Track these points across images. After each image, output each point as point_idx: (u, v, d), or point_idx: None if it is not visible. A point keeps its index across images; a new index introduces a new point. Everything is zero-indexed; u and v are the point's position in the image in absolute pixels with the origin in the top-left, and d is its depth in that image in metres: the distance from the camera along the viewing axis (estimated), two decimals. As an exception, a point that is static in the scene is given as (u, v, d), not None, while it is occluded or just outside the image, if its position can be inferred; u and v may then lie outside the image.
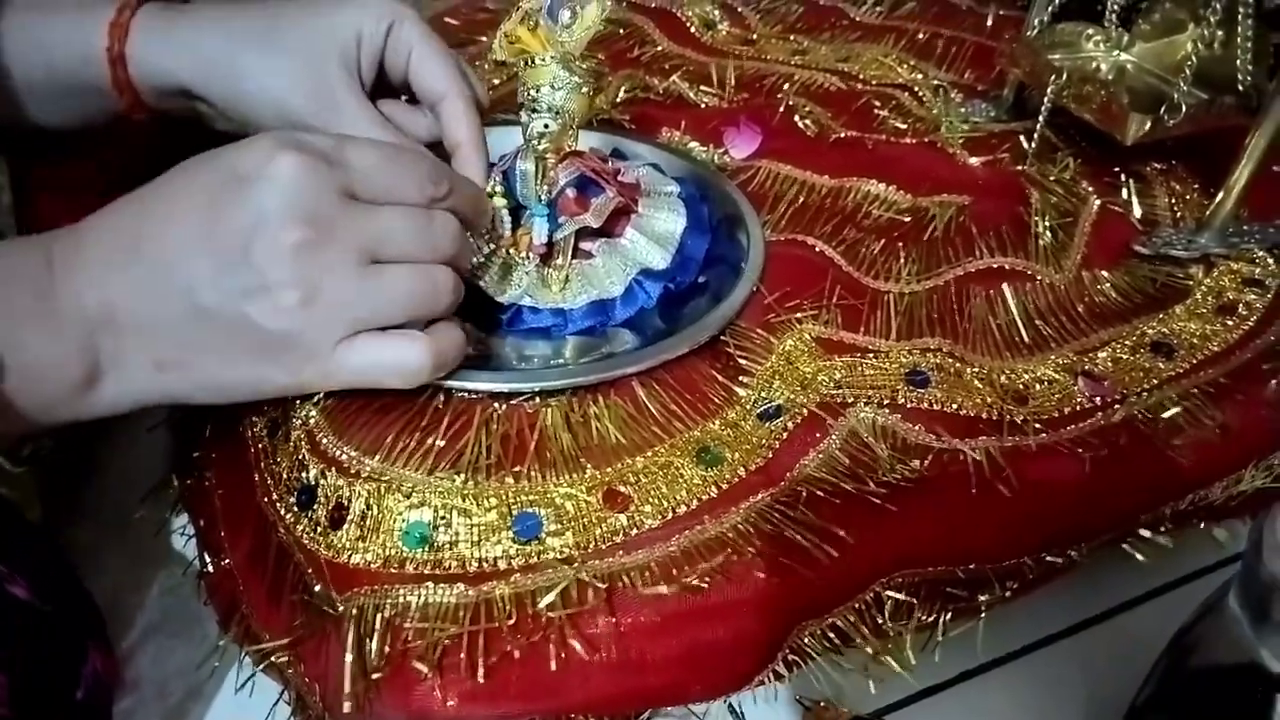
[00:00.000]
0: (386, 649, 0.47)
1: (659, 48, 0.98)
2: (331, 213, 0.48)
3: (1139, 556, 0.65)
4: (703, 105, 0.89)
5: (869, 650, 0.58)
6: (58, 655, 0.51)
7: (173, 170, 0.49)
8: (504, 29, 0.60)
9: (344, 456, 0.53)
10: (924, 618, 0.59)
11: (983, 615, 0.61)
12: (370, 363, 0.52)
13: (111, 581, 0.67)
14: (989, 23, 1.05)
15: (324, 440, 0.54)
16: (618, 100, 0.87)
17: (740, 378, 0.60)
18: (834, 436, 0.57)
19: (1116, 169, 0.80)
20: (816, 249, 0.71)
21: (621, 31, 0.99)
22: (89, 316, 0.47)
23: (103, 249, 0.48)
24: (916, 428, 0.58)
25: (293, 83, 0.61)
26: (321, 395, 0.56)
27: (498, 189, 0.65)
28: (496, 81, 0.89)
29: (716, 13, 1.04)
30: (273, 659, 0.55)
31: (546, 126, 0.61)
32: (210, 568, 0.61)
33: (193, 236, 0.46)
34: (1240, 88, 0.75)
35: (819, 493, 0.55)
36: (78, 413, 0.49)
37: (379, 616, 0.48)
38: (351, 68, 0.62)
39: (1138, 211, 0.77)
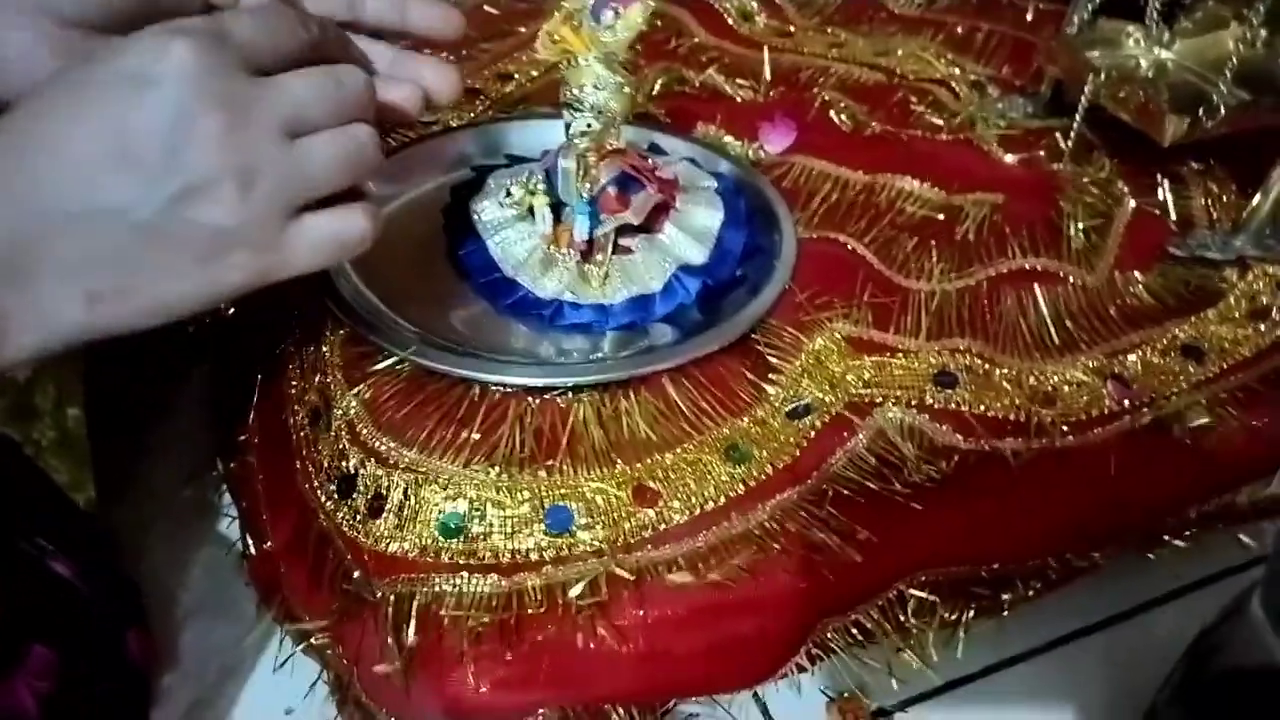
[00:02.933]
0: (422, 636, 0.49)
1: (695, 39, 0.98)
2: (241, 91, 0.45)
3: (1153, 556, 0.65)
4: (739, 99, 0.89)
5: (891, 646, 0.59)
6: (98, 634, 0.54)
7: (36, 95, 0.44)
8: (547, 29, 0.61)
9: (383, 447, 0.55)
10: (947, 615, 0.60)
11: (1005, 613, 0.62)
12: (323, 237, 0.50)
13: (155, 561, 0.70)
14: (1029, 17, 1.04)
15: (364, 431, 0.56)
16: (654, 94, 0.88)
17: (770, 376, 0.61)
18: (862, 436, 0.58)
19: (1153, 169, 0.80)
20: (849, 246, 0.71)
21: (658, 23, 0.99)
22: None
23: None
24: (944, 428, 0.59)
25: None
26: (362, 386, 0.58)
27: (539, 186, 0.66)
28: (535, 74, 0.90)
29: (754, 4, 1.04)
30: (312, 640, 0.57)
31: (589, 126, 0.62)
32: (252, 550, 0.63)
33: (103, 155, 0.42)
34: (1281, 88, 0.74)
35: (845, 491, 0.56)
36: None
37: (415, 604, 0.50)
38: None
39: (1173, 213, 0.76)
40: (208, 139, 0.43)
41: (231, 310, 0.76)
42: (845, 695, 0.65)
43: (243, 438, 0.67)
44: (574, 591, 0.50)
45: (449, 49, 0.92)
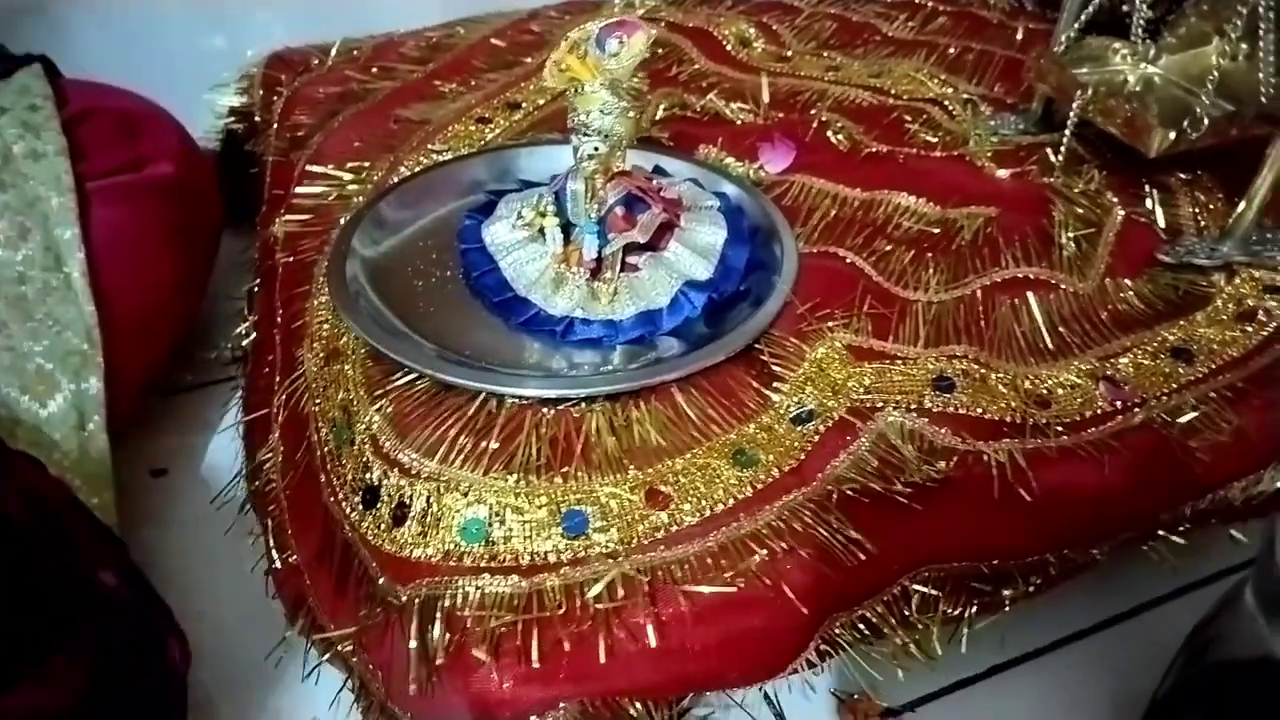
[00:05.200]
0: (447, 636, 0.51)
1: (696, 66, 1.01)
2: None
3: (1159, 556, 0.67)
4: (739, 122, 0.92)
5: (898, 641, 0.61)
6: (142, 641, 0.56)
7: None
8: (554, 58, 0.64)
9: (405, 458, 0.58)
10: (950, 611, 0.61)
11: (1007, 609, 0.64)
12: None
13: (182, 577, 0.72)
14: (1019, 36, 1.07)
15: (386, 443, 0.59)
16: (657, 118, 0.91)
17: (774, 383, 0.63)
18: (864, 439, 0.60)
19: (1142, 180, 0.82)
20: (848, 260, 0.74)
21: (660, 51, 1.02)
22: None
23: None
24: (943, 431, 0.61)
25: None
26: (383, 401, 0.60)
27: (549, 208, 0.69)
28: (541, 102, 0.93)
29: (752, 30, 1.07)
30: (338, 648, 0.59)
31: (596, 149, 0.65)
32: (278, 564, 0.65)
33: None
34: (1263, 99, 0.77)
35: (849, 492, 0.58)
36: None
37: (440, 605, 0.52)
38: None
39: (1161, 221, 0.79)
40: None
41: (253, 335, 0.79)
42: (855, 696, 0.66)
43: (266, 456, 0.70)
44: (592, 593, 0.52)
45: (458, 79, 0.96)
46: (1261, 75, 0.77)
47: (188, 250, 0.83)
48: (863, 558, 0.56)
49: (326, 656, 0.61)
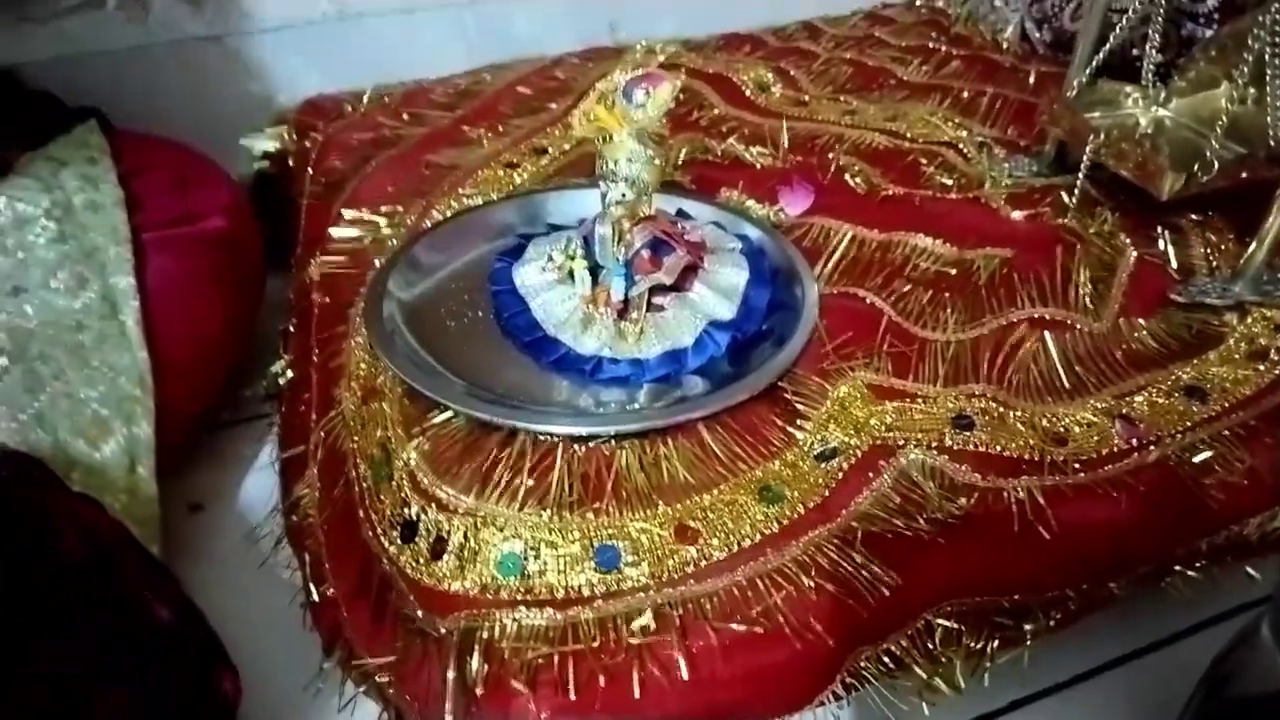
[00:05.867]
0: (485, 667, 0.53)
1: (717, 110, 1.04)
2: None
3: (1177, 592, 0.68)
4: (759, 166, 0.94)
5: (921, 675, 0.62)
6: (195, 674, 0.58)
7: None
8: (583, 109, 0.67)
9: (443, 494, 0.59)
10: (973, 644, 0.63)
11: (1029, 643, 0.65)
12: None
13: (221, 611, 0.74)
14: (1031, 80, 1.09)
15: (424, 480, 0.61)
16: (680, 163, 0.94)
17: (798, 421, 0.65)
18: (886, 476, 0.62)
19: (1154, 221, 0.84)
20: (868, 300, 0.76)
21: (681, 96, 1.04)
22: None
23: None
24: (963, 468, 0.63)
25: None
26: (420, 439, 0.62)
27: (578, 251, 0.72)
28: (567, 147, 0.96)
29: (770, 76, 1.10)
30: (375, 679, 0.61)
31: (624, 195, 0.67)
32: (315, 597, 0.67)
33: None
34: (1271, 142, 0.79)
35: (872, 528, 0.59)
36: None
37: (478, 637, 0.54)
38: None
39: (1174, 262, 0.80)
40: None
41: (289, 374, 0.82)
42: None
43: (303, 491, 0.72)
44: (635, 624, 0.54)
45: (486, 124, 0.99)
46: (1270, 118, 0.79)
47: (236, 299, 0.87)
48: (886, 593, 0.57)
49: (363, 688, 0.62)
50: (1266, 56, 0.78)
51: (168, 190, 0.84)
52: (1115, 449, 0.65)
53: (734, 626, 0.54)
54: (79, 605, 0.49)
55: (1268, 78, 0.79)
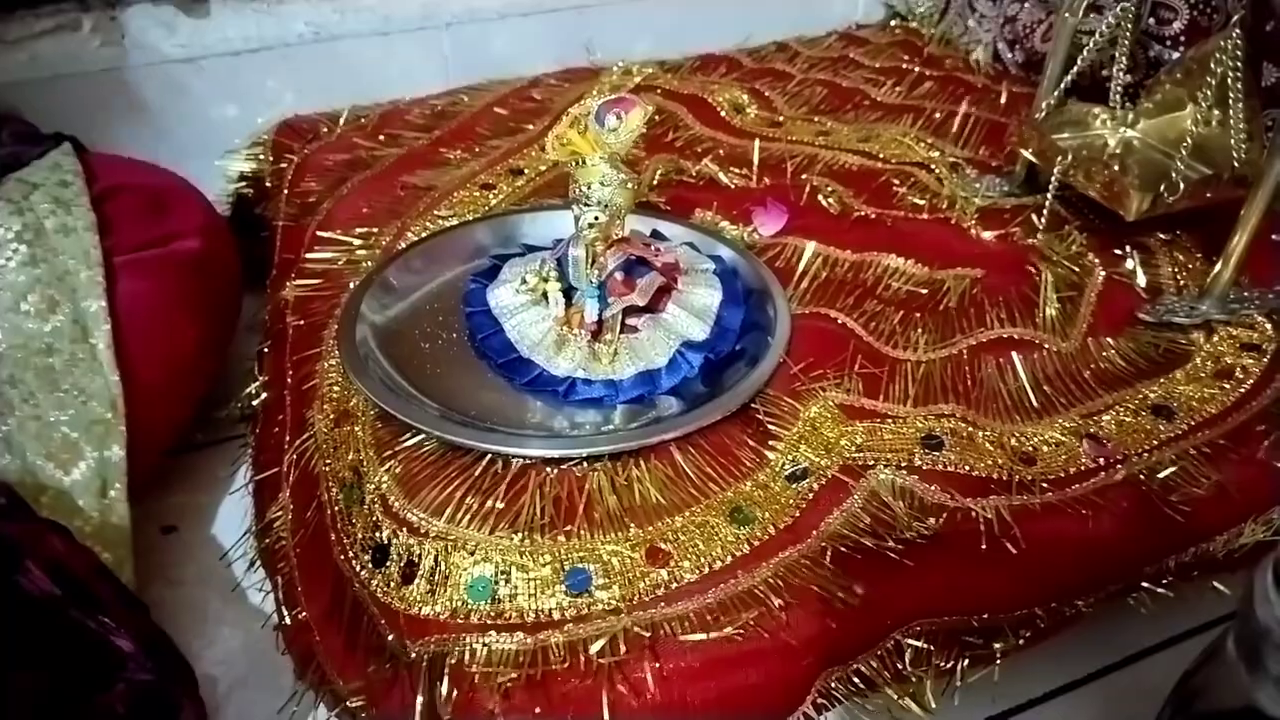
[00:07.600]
0: (455, 691, 0.53)
1: (692, 131, 1.05)
2: None
3: (1145, 608, 0.68)
4: (733, 186, 0.95)
5: (892, 694, 0.62)
6: (157, 706, 0.57)
7: None
8: (556, 133, 0.67)
9: (414, 518, 0.60)
10: (942, 664, 0.63)
11: (999, 662, 0.65)
12: None
13: (193, 635, 0.74)
14: (1003, 99, 1.11)
15: (396, 503, 0.61)
16: (654, 184, 0.94)
17: (770, 442, 0.65)
18: (856, 496, 0.62)
19: (1122, 240, 0.85)
20: (839, 321, 0.77)
21: (657, 118, 1.05)
22: None
23: None
24: (932, 488, 0.63)
25: None
26: (392, 462, 0.63)
27: (552, 273, 0.72)
28: (543, 167, 0.96)
29: (745, 97, 1.11)
30: (347, 702, 0.61)
31: (596, 218, 0.68)
32: (288, 620, 0.67)
33: None
34: (1235, 164, 0.80)
35: (842, 548, 0.60)
36: None
37: (448, 661, 0.54)
38: None
39: (1142, 281, 0.82)
40: None
41: (263, 396, 0.81)
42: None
43: (276, 514, 0.72)
44: (594, 648, 0.54)
45: (462, 145, 0.99)
46: (1233, 140, 0.81)
47: (209, 321, 0.86)
48: (857, 612, 0.58)
49: (336, 711, 0.62)
50: (1229, 80, 0.80)
51: (141, 212, 0.84)
52: (1083, 468, 0.65)
53: (704, 641, 0.55)
54: (40, 641, 0.49)
55: (1230, 100, 0.80)
